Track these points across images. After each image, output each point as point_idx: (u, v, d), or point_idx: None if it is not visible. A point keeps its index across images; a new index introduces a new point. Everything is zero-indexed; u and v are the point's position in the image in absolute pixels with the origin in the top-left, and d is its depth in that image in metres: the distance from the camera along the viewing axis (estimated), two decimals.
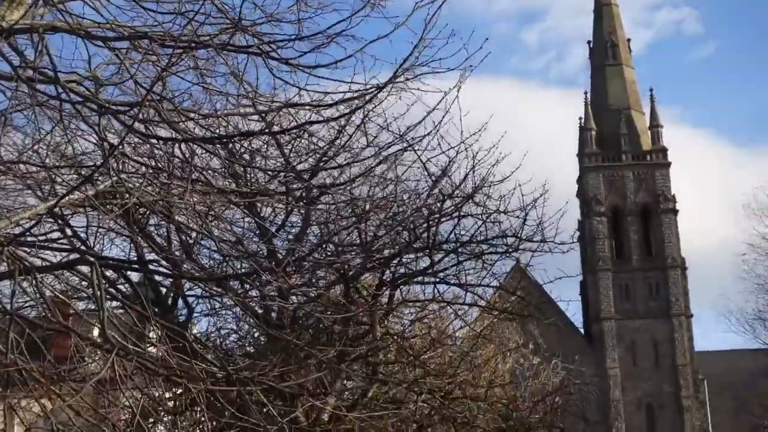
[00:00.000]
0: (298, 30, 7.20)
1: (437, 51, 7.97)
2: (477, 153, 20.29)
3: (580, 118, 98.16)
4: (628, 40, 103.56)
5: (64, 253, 10.47)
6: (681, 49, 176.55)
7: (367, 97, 7.98)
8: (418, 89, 9.63)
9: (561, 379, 42.90)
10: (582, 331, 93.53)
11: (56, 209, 8.10)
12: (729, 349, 75.92)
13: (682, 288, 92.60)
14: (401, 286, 23.69)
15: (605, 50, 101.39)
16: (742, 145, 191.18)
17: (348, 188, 18.44)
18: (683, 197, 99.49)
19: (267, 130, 9.46)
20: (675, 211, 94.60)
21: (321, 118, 9.64)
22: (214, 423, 12.36)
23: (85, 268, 8.06)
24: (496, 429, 35.55)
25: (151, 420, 15.60)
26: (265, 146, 14.69)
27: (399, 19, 7.37)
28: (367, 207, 20.31)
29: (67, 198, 7.77)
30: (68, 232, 13.95)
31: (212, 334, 23.16)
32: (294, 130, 12.52)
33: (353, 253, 20.65)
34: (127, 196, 8.28)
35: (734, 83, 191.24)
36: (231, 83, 8.43)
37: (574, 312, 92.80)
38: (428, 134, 19.07)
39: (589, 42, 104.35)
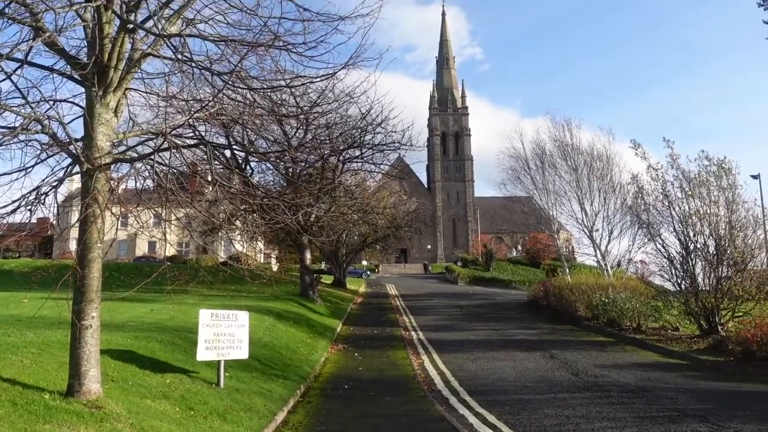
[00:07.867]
0: (304, 38, 7.00)
1: (366, 53, 7.86)
2: (384, 104, 20.36)
3: (431, 92, 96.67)
4: (454, 57, 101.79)
5: (194, 140, 10.25)
6: (474, 65, 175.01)
7: (335, 73, 7.81)
8: (358, 70, 9.54)
9: (416, 207, 43.79)
10: (426, 186, 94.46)
11: (189, 121, 7.90)
12: (489, 196, 77.91)
13: (471, 168, 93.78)
14: (347, 163, 23.74)
15: (444, 62, 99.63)
16: (500, 107, 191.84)
17: (325, 116, 18.15)
18: (474, 128, 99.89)
19: (288, 86, 9.22)
20: (470, 135, 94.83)
21: (314, 82, 9.46)
22: (263, 219, 12.48)
23: (203, 148, 7.93)
24: (386, 226, 36.55)
25: (234, 217, 15.66)
26: (287, 96, 14.32)
27: (350, 34, 7.22)
28: (334, 126, 20.15)
29: (194, 114, 7.62)
30: (195, 132, 13.68)
31: (262, 180, 23.11)
32: (300, 86, 12.22)
33: (326, 146, 20.53)
34: (224, 114, 8.18)
35: (498, 81, 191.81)
36: (272, 64, 8.24)
37: (423, 178, 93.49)
38: (362, 94, 18.80)
39: (436, 57, 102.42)
